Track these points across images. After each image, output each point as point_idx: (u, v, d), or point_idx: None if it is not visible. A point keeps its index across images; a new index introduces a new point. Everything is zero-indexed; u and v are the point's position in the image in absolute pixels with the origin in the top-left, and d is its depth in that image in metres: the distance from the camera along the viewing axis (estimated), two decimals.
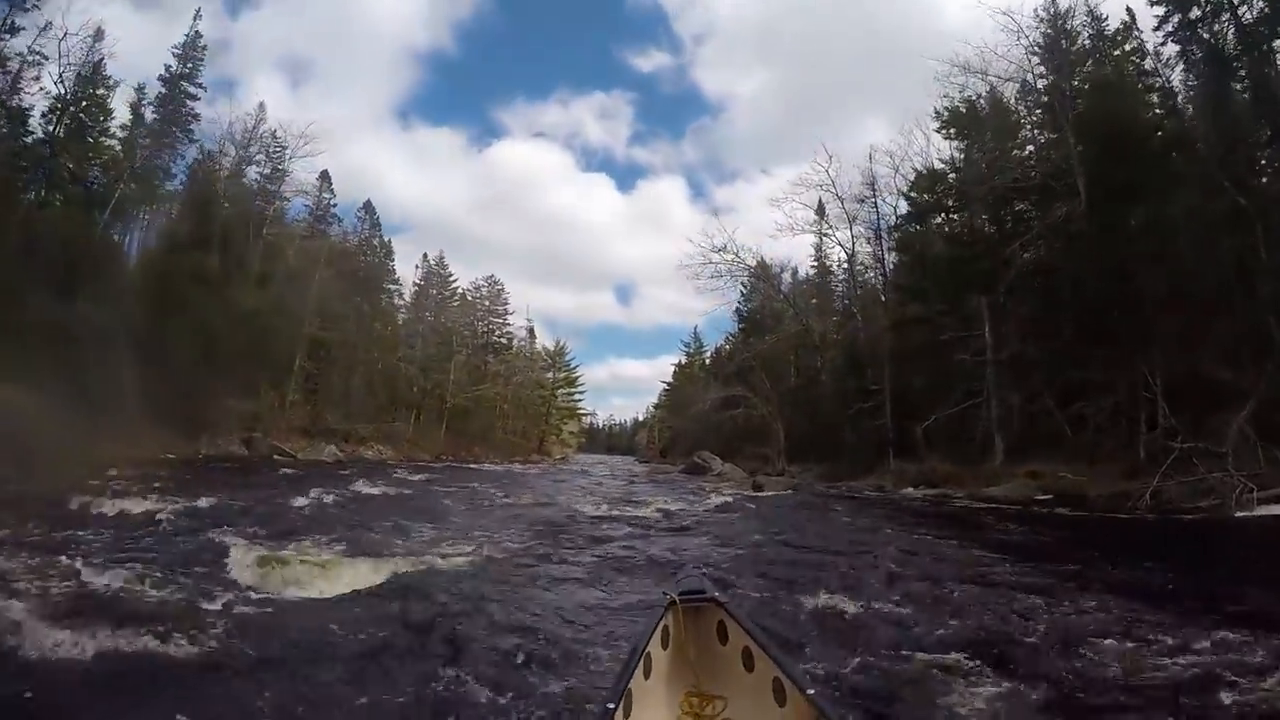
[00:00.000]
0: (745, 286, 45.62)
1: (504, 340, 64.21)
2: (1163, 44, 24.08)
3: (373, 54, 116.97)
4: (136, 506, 10.88)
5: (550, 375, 70.08)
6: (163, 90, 38.70)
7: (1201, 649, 5.07)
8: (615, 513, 15.29)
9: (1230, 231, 19.64)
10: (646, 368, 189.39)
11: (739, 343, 49.42)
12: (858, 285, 40.14)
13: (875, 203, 35.80)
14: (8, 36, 30.45)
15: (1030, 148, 28.99)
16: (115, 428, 22.40)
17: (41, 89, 31.96)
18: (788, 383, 43.22)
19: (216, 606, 5.74)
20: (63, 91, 32.40)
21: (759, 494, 23.47)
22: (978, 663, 4.81)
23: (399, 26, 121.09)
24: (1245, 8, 21.19)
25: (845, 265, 41.26)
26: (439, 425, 52.45)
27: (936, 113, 30.98)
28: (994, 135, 28.70)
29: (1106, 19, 26.61)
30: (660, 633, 3.62)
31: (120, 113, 36.46)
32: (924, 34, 62.10)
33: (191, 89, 39.63)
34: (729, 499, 20.43)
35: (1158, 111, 24.57)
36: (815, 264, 45.60)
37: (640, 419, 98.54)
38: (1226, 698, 4.24)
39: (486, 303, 63.05)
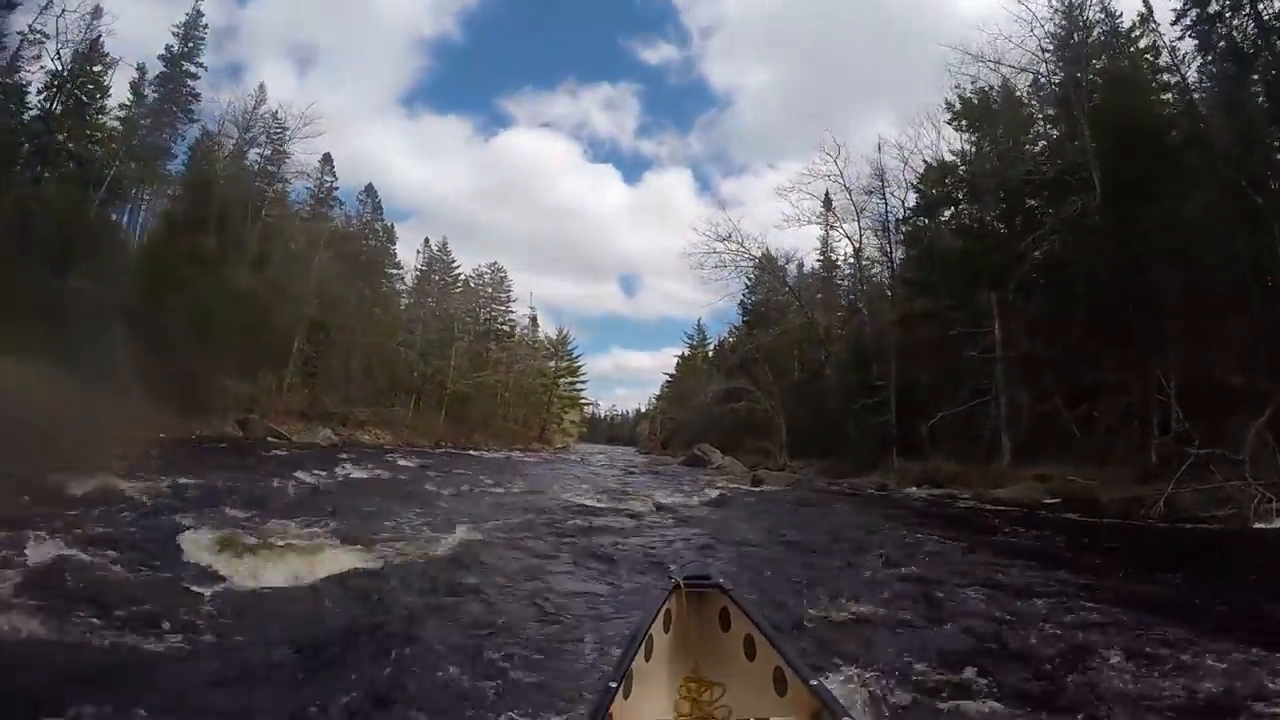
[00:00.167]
0: (750, 278, 45.26)
1: (506, 328, 63.81)
2: (1180, 39, 23.41)
3: (380, 41, 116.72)
4: (111, 485, 10.57)
5: (552, 364, 69.66)
6: (164, 70, 38.33)
7: (1218, 667, 4.81)
8: (606, 505, 14.88)
9: (1247, 232, 19.06)
10: (650, 359, 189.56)
11: (743, 335, 48.94)
12: (864, 279, 39.53)
13: (884, 194, 35.19)
14: (6, 13, 30.01)
15: (1043, 143, 28.33)
16: (105, 406, 22.05)
17: (42, 68, 31.68)
18: (791, 377, 42.70)
19: (168, 591, 5.59)
20: (59, 68, 31.96)
21: (757, 489, 23.06)
22: (980, 674, 4.63)
23: (406, 14, 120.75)
24: (1265, 2, 20.58)
25: (851, 259, 40.71)
26: (438, 411, 52.10)
27: (948, 104, 30.44)
28: (1007, 127, 28.07)
29: (1120, 15, 26.08)
30: (663, 616, 3.60)
31: (121, 93, 36.36)
32: (934, 29, 61.63)
33: (192, 68, 39.29)
34: (726, 493, 20.05)
35: (1173, 109, 23.94)
36: (821, 257, 45.01)
37: (643, 410, 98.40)
38: None
39: (489, 289, 62.65)
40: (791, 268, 44.78)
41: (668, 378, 75.83)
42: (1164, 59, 24.31)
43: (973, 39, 30.99)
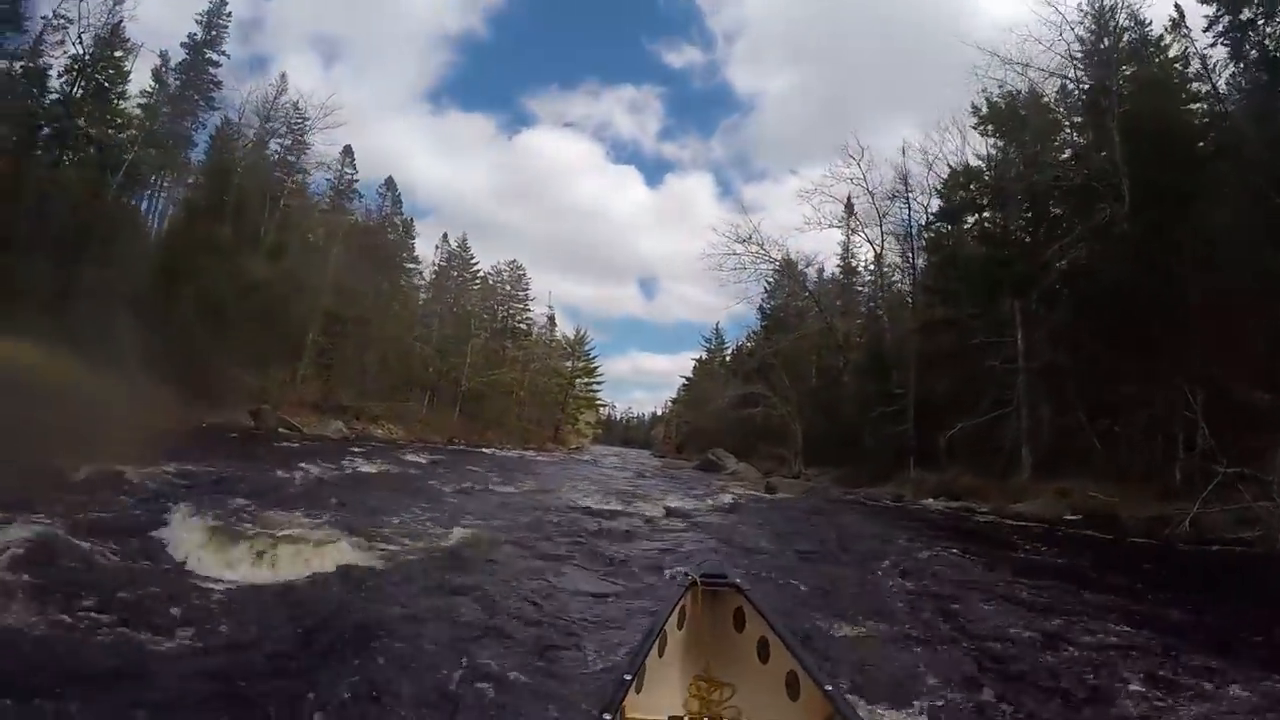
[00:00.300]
0: (769, 283, 44.83)
1: (524, 326, 63.63)
2: (1212, 45, 22.86)
3: (405, 36, 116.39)
4: (114, 471, 10.61)
5: (569, 364, 69.34)
6: (186, 56, 38.35)
7: (1246, 698, 4.72)
8: (615, 507, 14.61)
9: (1277, 244, 18.46)
10: (668, 362, 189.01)
11: (760, 340, 48.45)
12: (885, 285, 39.00)
13: (907, 199, 34.62)
14: None
15: (1069, 151, 27.67)
16: (114, 392, 22.10)
17: (64, 52, 31.68)
18: (808, 383, 42.19)
19: (155, 579, 5.58)
20: (80, 52, 31.99)
21: (771, 496, 22.75)
22: (997, 697, 4.57)
23: (432, 9, 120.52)
24: None
25: (872, 266, 40.19)
26: (453, 408, 51.87)
27: (974, 108, 29.86)
28: (1034, 133, 27.47)
29: (1150, 23, 25.39)
30: (678, 612, 3.60)
31: (142, 79, 36.10)
32: (959, 36, 60.83)
33: (214, 56, 39.22)
34: (739, 499, 19.77)
35: (1203, 117, 23.47)
36: (841, 263, 44.51)
37: (659, 413, 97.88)
38: None
39: (507, 287, 62.45)
40: (811, 272, 44.23)
41: (684, 381, 75.47)
42: (1194, 67, 23.80)
43: (1000, 43, 30.36)
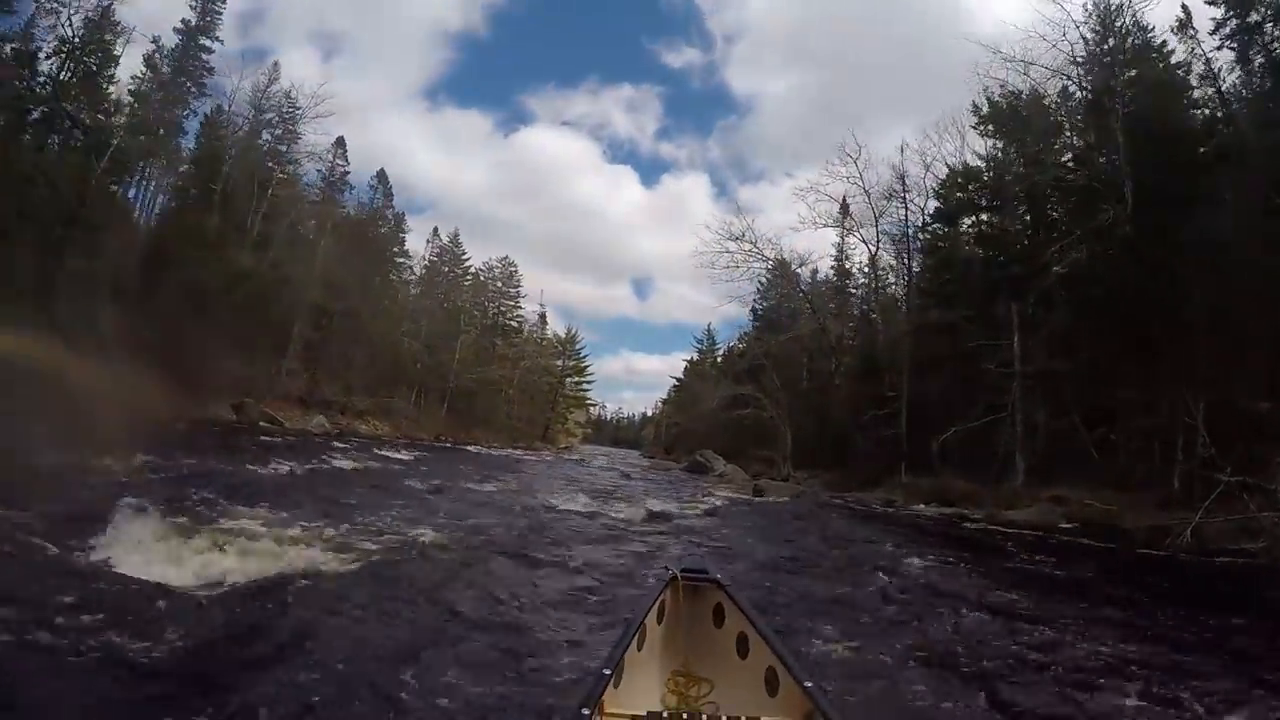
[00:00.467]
0: (763, 283, 44.31)
1: (515, 323, 63.33)
2: (1218, 48, 22.72)
3: (405, 32, 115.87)
4: (78, 462, 10.54)
5: (560, 363, 69.04)
6: (179, 42, 37.81)
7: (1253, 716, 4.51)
8: (596, 509, 14.17)
9: None
10: (660, 363, 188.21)
11: (752, 340, 47.94)
12: (879, 287, 38.53)
13: (904, 199, 34.05)
14: None
15: (1069, 155, 27.24)
16: (91, 381, 21.67)
17: (56, 36, 31.26)
18: (800, 385, 41.73)
19: (91, 577, 5.29)
20: (70, 34, 31.49)
21: (758, 499, 22.25)
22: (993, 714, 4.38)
23: (432, 5, 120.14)
24: None
25: (867, 268, 39.73)
26: (441, 405, 51.48)
27: (975, 107, 29.50)
28: (1036, 132, 27.02)
29: (1152, 29, 25.11)
30: (657, 607, 3.57)
31: (133, 64, 35.74)
32: (962, 37, 60.51)
33: (207, 43, 38.68)
34: (725, 502, 19.37)
35: (1207, 121, 23.09)
36: (835, 265, 44.01)
37: (649, 414, 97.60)
38: None
39: (499, 284, 62.16)
40: (805, 272, 43.60)
41: (675, 382, 75.07)
42: (1199, 69, 23.59)
43: (1002, 41, 29.98)
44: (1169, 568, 12.23)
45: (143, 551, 6.11)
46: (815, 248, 50.66)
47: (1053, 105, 27.76)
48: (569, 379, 70.29)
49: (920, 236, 33.97)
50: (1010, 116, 28.19)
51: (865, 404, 31.05)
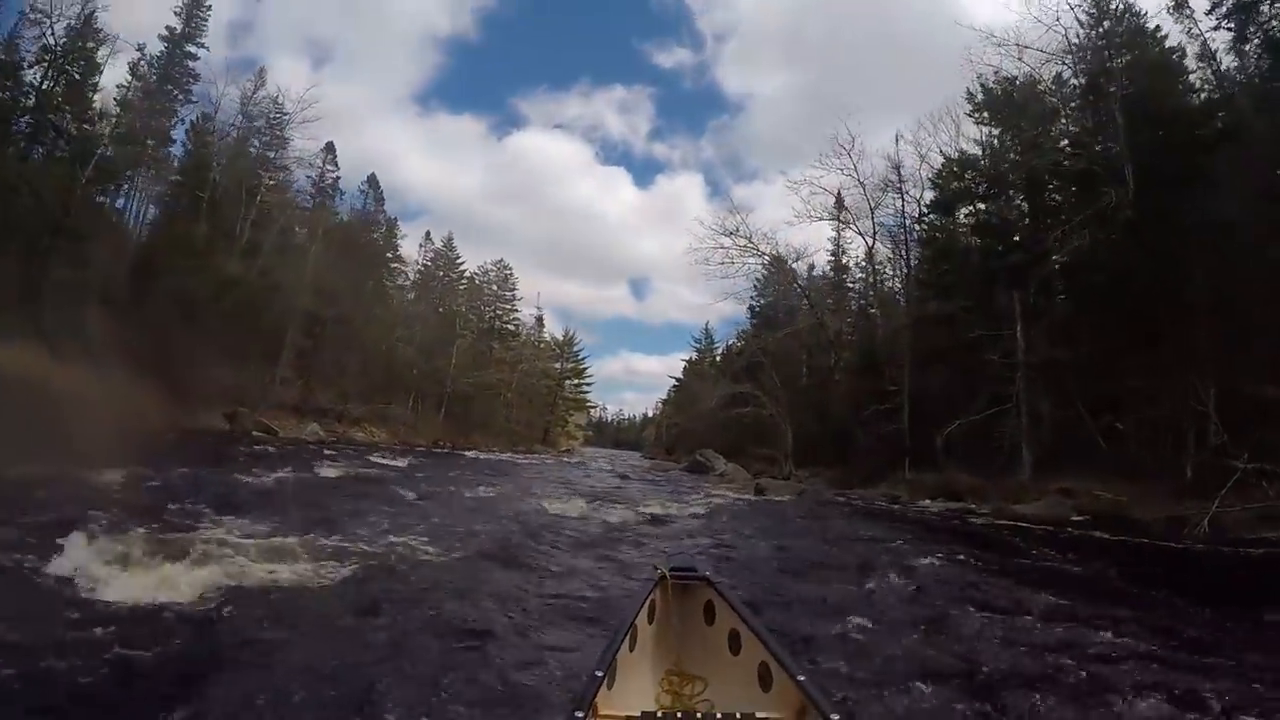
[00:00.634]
0: (759, 279, 43.92)
1: (511, 327, 63.04)
2: (1215, 28, 22.44)
3: (395, 38, 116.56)
4: (59, 474, 10.28)
5: (558, 365, 68.80)
6: (164, 48, 37.53)
7: None
8: (592, 513, 13.63)
9: None
10: (659, 363, 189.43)
11: (750, 337, 47.52)
12: (877, 280, 38.08)
13: (900, 189, 33.66)
14: None
15: (1066, 140, 26.75)
16: (79, 391, 21.42)
17: (42, 46, 31.24)
18: (799, 382, 41.30)
19: (48, 592, 5.20)
20: (53, 43, 31.34)
21: (759, 498, 21.76)
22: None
23: (422, 11, 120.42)
24: None
25: (863, 263, 39.37)
26: (438, 410, 51.04)
27: (969, 94, 29.10)
28: (1032, 117, 26.60)
29: (1146, 14, 24.99)
30: (648, 607, 3.58)
31: (119, 73, 35.65)
32: (950, 37, 60.31)
33: (193, 49, 38.47)
34: (725, 502, 18.87)
35: (1207, 101, 22.90)
36: (832, 259, 43.63)
37: (650, 415, 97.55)
38: None
39: (494, 287, 61.98)
40: (802, 266, 43.14)
41: (675, 382, 74.76)
42: (1193, 50, 23.45)
43: (996, 26, 29.68)
44: (1188, 560, 11.80)
45: (106, 564, 5.84)
46: (811, 242, 50.21)
47: (1048, 90, 27.41)
48: (568, 381, 70.23)
49: (917, 228, 33.65)
50: (1005, 102, 27.84)
51: (866, 399, 30.56)
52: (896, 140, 33.83)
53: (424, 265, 56.76)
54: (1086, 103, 25.54)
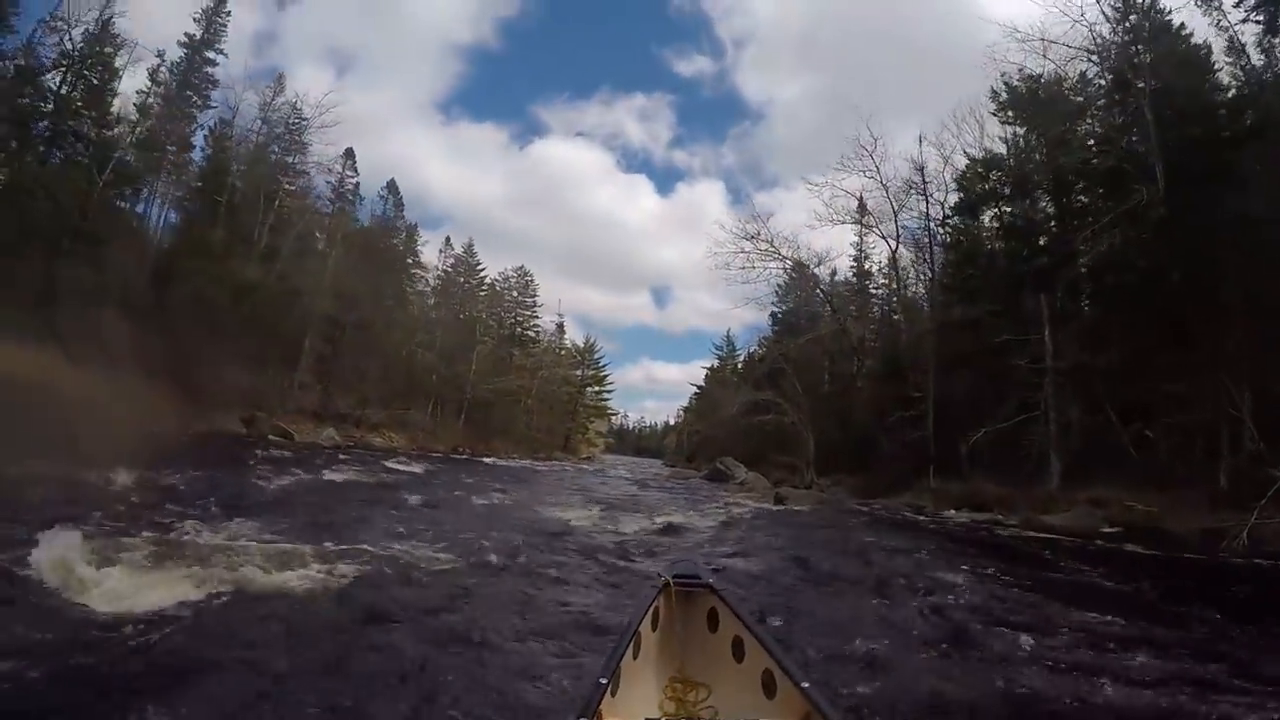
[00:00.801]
0: (780, 285, 43.46)
1: (532, 333, 62.86)
2: (1243, 21, 21.80)
3: (417, 48, 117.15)
4: (67, 475, 10.35)
5: (579, 372, 68.58)
6: (183, 55, 37.68)
7: None
8: (606, 523, 13.35)
9: None
10: (680, 371, 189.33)
11: (771, 344, 46.99)
12: (901, 285, 37.47)
13: (924, 190, 33.05)
14: None
15: (1092, 141, 26.13)
16: (97, 394, 21.46)
17: (61, 52, 31.37)
18: (821, 389, 40.72)
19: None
20: (71, 48, 31.50)
21: (780, 507, 21.21)
22: None
23: (444, 20, 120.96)
24: None
25: (886, 267, 38.78)
26: (458, 416, 50.75)
27: (994, 93, 28.49)
28: (1059, 115, 25.95)
29: (1170, 12, 24.22)
30: (651, 614, 3.58)
31: (139, 79, 35.79)
32: (971, 38, 59.68)
33: (212, 55, 38.58)
34: (744, 512, 18.41)
35: (1235, 94, 22.27)
36: (854, 265, 43.03)
37: (671, 422, 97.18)
38: None
39: (515, 294, 61.85)
40: (824, 271, 42.45)
41: (696, 390, 74.36)
42: (1222, 43, 22.75)
43: (1021, 22, 29.07)
44: (1227, 574, 11.23)
45: (93, 566, 5.81)
46: (833, 246, 49.66)
47: (1073, 89, 26.80)
48: (589, 388, 69.89)
49: (941, 231, 33.03)
50: (1031, 100, 27.25)
51: (889, 406, 29.95)
52: (920, 141, 33.33)
53: (445, 271, 56.72)
54: (1113, 101, 24.90)
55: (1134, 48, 23.93)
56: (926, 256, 34.18)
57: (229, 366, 30.68)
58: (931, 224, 33.31)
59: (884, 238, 36.68)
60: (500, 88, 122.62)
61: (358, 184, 47.64)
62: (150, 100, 35.96)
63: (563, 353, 68.08)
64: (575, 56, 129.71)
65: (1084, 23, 24.75)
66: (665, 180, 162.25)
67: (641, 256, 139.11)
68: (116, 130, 33.40)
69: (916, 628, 6.28)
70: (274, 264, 37.14)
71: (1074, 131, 25.85)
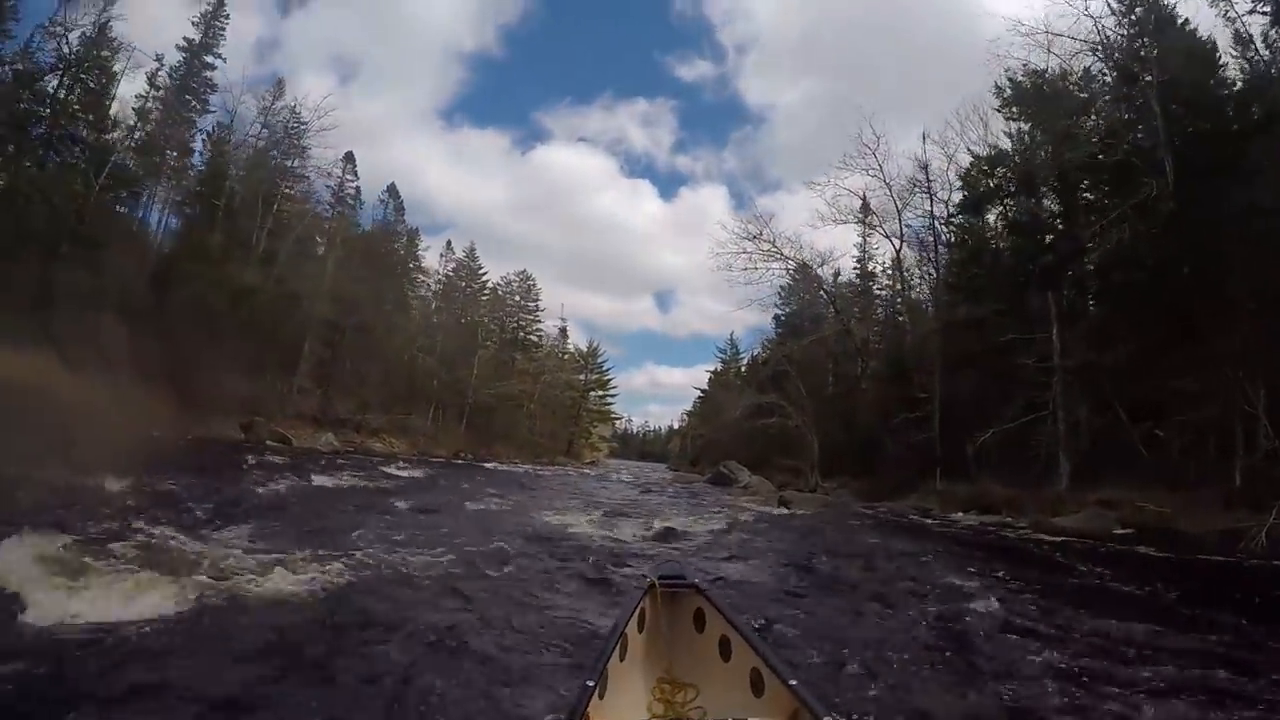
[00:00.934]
0: (784, 286, 43.16)
1: (534, 338, 62.76)
2: (1249, 13, 21.62)
3: (420, 55, 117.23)
4: (50, 481, 10.13)
5: (582, 377, 68.37)
6: (182, 59, 37.64)
7: None
8: (603, 530, 12.87)
9: None
10: (684, 375, 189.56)
11: (775, 346, 46.66)
12: (906, 285, 37.10)
13: (929, 188, 32.78)
14: None
15: (1097, 137, 25.80)
16: (92, 399, 21.28)
17: (58, 55, 31.47)
18: (825, 391, 40.42)
19: None
20: (67, 52, 31.59)
21: (784, 511, 20.83)
22: None
23: (447, 28, 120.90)
24: None
25: (890, 267, 38.48)
26: (460, 421, 50.58)
27: (997, 88, 28.17)
28: (1064, 111, 25.65)
29: (1175, 3, 24.02)
30: (638, 615, 3.59)
31: (138, 85, 35.84)
32: (972, 41, 59.45)
33: (210, 59, 38.54)
34: (747, 517, 17.97)
35: (1243, 86, 22.06)
36: (858, 266, 42.66)
37: (675, 426, 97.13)
38: None
39: (517, 298, 61.79)
40: (827, 271, 42.05)
41: (699, 393, 74.12)
42: (1228, 35, 22.51)
43: (1024, 17, 28.78)
44: (1246, 577, 10.85)
45: (42, 581, 5.41)
46: (836, 246, 49.34)
47: (1077, 85, 26.56)
48: (592, 393, 69.68)
49: (946, 229, 32.80)
50: (1035, 96, 26.96)
51: (895, 407, 29.72)
52: (923, 138, 33.05)
53: (446, 275, 56.68)
54: (1120, 95, 24.63)
55: (1140, 40, 23.62)
56: (931, 255, 33.95)
57: (227, 371, 30.55)
58: (936, 222, 33.08)
59: (888, 236, 36.54)
60: (503, 94, 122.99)
61: (358, 189, 47.81)
62: (149, 105, 36.00)
63: (565, 357, 68.26)
64: (577, 62, 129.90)
65: (1089, 15, 24.53)
66: (668, 185, 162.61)
67: (645, 261, 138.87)
68: (114, 134, 33.34)
69: (924, 636, 5.99)
70: (272, 268, 37.04)
71: (1080, 126, 25.56)
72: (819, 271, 40.46)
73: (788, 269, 39.87)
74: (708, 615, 3.63)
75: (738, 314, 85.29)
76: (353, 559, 7.43)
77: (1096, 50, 25.04)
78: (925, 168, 32.66)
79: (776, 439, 39.59)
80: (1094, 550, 13.06)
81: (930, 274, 34.45)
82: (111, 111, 33.73)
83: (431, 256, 55.18)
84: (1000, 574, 9.39)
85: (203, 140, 39.22)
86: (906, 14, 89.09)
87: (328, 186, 44.96)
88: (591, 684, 2.79)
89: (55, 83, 31.40)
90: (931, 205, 33.02)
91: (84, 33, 31.75)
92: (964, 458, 24.05)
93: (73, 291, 26.38)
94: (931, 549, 12.34)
